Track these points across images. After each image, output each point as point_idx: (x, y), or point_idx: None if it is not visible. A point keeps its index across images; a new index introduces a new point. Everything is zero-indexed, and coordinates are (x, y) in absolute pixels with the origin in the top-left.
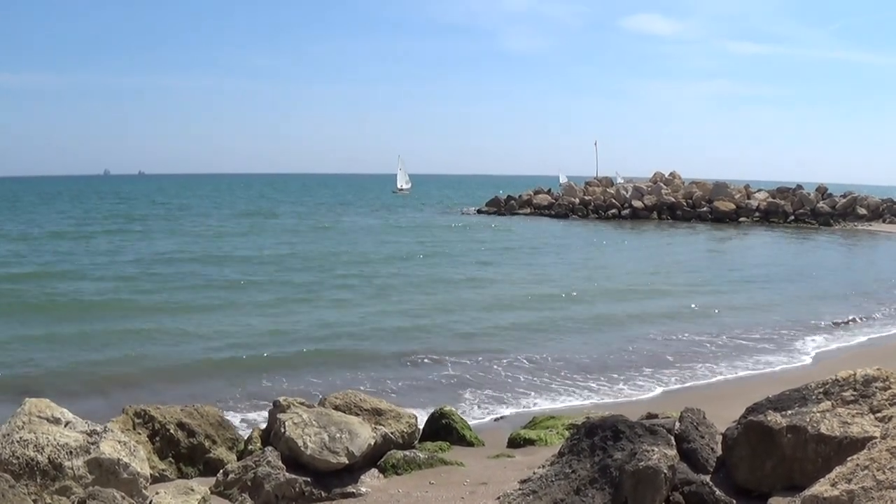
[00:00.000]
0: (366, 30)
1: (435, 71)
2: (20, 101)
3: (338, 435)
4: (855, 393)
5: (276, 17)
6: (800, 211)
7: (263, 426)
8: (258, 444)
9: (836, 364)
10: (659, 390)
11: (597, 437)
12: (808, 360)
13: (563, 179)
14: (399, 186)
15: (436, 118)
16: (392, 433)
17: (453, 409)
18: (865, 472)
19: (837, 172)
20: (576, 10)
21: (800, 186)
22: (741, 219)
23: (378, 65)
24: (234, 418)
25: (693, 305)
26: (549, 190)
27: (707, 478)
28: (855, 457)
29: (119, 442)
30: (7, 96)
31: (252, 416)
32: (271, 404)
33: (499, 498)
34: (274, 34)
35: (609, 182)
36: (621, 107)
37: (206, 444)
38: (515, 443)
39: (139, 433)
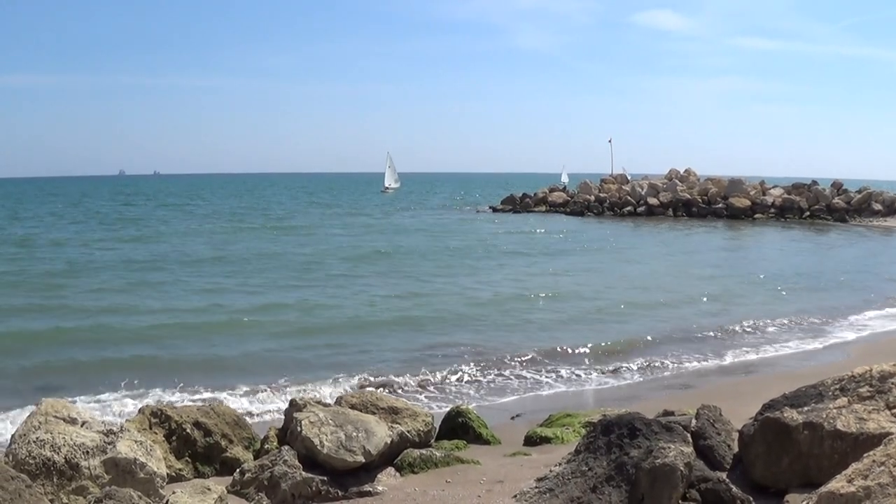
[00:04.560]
0: (374, 28)
1: (444, 69)
2: (34, 102)
3: (354, 434)
4: (871, 389)
5: (286, 17)
6: (815, 207)
7: (280, 425)
8: (274, 444)
9: (855, 359)
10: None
11: (613, 434)
12: (828, 355)
13: (564, 178)
14: (387, 185)
15: (444, 116)
16: (408, 432)
17: (469, 407)
18: (882, 468)
19: (852, 168)
20: (586, 6)
21: (815, 182)
22: (756, 215)
23: (386, 63)
24: (250, 415)
25: (705, 300)
26: (565, 188)
27: (724, 475)
28: (871, 453)
29: (135, 442)
30: (23, 97)
31: (269, 414)
32: (288, 403)
33: (515, 496)
34: (283, 34)
35: (624, 179)
36: (632, 104)
37: (223, 443)
38: (532, 441)
39: (155, 433)
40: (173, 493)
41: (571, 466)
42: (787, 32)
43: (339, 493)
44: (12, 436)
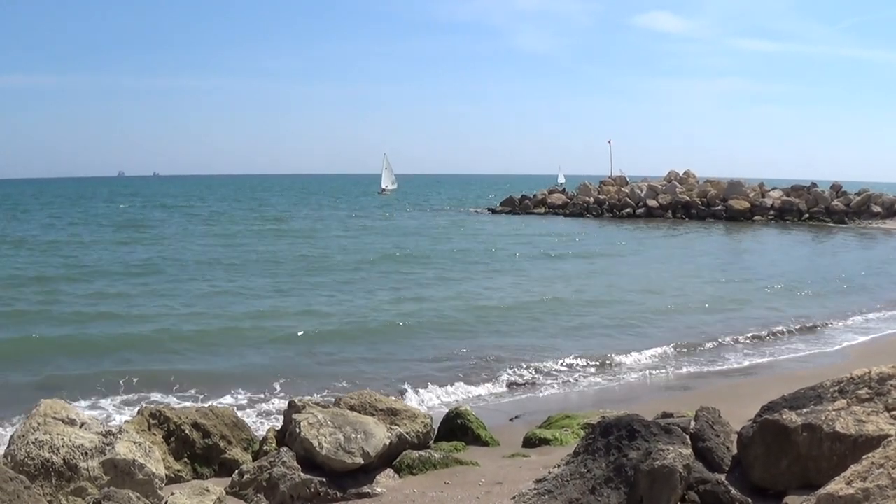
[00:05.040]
0: (374, 29)
1: (443, 70)
2: (33, 103)
3: (353, 435)
4: (870, 391)
5: (286, 18)
6: (814, 209)
7: (279, 426)
8: (273, 445)
9: (854, 361)
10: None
11: (612, 436)
12: (827, 357)
13: (561, 178)
14: (383, 186)
15: (443, 117)
16: (407, 433)
17: (468, 408)
18: (881, 470)
19: (851, 170)
20: (586, 7)
21: (814, 184)
22: (756, 217)
23: (385, 64)
24: (248, 418)
25: (704, 302)
26: (564, 189)
27: (722, 477)
28: (870, 455)
29: (134, 443)
30: (20, 98)
31: (268, 416)
32: (287, 404)
33: (514, 497)
34: (283, 35)
35: (623, 181)
36: (631, 105)
37: (222, 444)
38: (531, 442)
39: (154, 434)
40: (172, 494)
41: (570, 468)
42: (786, 34)
43: (338, 495)
44: (11, 437)
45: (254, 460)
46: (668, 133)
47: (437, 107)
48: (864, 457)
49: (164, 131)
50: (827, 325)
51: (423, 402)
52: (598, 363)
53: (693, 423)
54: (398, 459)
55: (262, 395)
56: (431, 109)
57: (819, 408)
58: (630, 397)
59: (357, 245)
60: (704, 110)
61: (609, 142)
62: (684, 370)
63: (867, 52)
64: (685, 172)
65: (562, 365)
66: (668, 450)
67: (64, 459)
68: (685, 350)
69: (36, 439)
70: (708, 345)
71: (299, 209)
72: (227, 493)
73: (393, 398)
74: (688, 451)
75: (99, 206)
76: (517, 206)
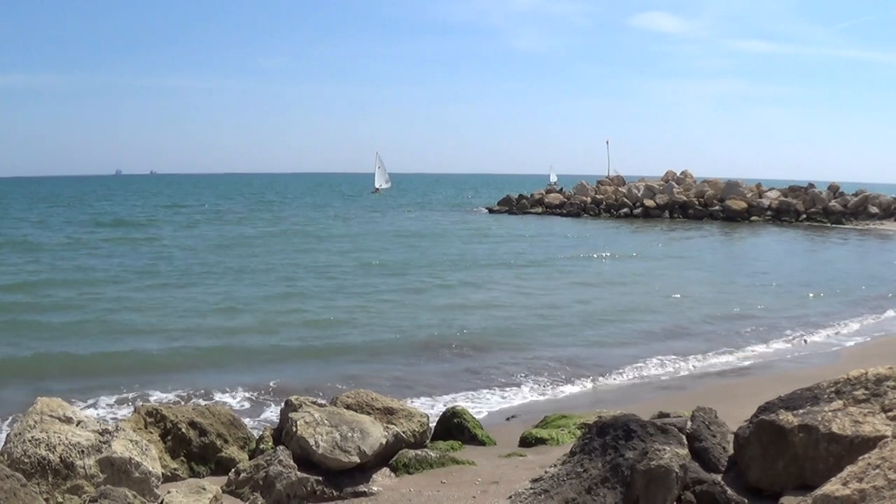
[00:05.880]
0: (373, 30)
1: (441, 70)
2: (32, 101)
3: (349, 434)
4: (867, 392)
5: (283, 19)
6: (812, 210)
7: (275, 425)
8: (270, 443)
9: (851, 362)
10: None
11: (608, 436)
12: (824, 358)
13: (553, 178)
14: (377, 186)
15: (440, 117)
16: (404, 432)
17: (465, 408)
18: (877, 471)
19: (848, 171)
20: (583, 8)
21: (812, 185)
22: (753, 217)
23: (383, 65)
24: (245, 417)
25: (701, 302)
26: (561, 189)
27: (719, 477)
28: (866, 456)
29: (131, 441)
30: (19, 97)
31: (264, 415)
32: (283, 403)
33: (510, 497)
34: (280, 35)
35: (621, 181)
36: (629, 105)
37: (218, 443)
38: (527, 442)
39: (151, 432)
40: (168, 492)
41: (567, 468)
42: (784, 35)
43: (334, 494)
44: (8, 434)
45: (250, 459)
46: (666, 133)
47: (435, 107)
48: (861, 458)
49: (162, 130)
50: (824, 325)
51: (420, 401)
52: (595, 363)
53: (690, 424)
54: (395, 458)
55: (259, 394)
56: (428, 109)
57: (815, 408)
58: (626, 397)
59: (356, 247)
60: (702, 111)
61: (607, 142)
62: (680, 370)
63: (865, 53)
64: (682, 172)
65: (558, 364)
66: (664, 450)
67: (60, 457)
68: (681, 350)
69: (32, 437)
70: (704, 345)
71: (296, 209)
72: (224, 491)
73: (390, 397)
74: (684, 452)
75: (96, 205)
76: (514, 205)
